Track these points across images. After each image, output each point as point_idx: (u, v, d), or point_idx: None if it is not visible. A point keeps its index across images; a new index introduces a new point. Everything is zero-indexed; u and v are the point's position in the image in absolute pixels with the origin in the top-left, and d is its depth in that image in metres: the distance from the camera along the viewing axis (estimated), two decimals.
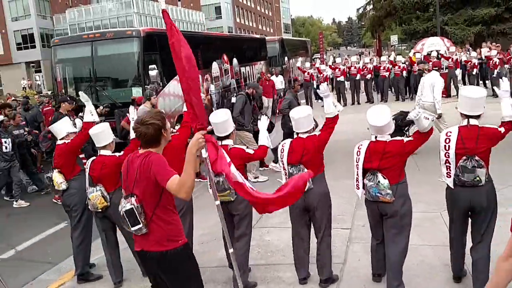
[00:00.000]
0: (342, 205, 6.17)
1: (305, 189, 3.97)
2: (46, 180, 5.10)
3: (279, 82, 17.45)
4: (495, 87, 3.88)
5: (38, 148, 9.50)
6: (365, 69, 17.33)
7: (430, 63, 16.02)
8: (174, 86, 9.82)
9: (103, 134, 4.59)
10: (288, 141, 4.23)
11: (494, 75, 14.97)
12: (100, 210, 4.54)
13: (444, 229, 5.05)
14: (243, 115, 8.48)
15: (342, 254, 4.88)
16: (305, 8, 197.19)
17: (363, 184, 3.84)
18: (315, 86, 17.38)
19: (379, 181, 3.70)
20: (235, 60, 17.35)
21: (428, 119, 3.55)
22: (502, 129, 3.64)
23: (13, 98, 17.31)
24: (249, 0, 66.74)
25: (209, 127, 4.29)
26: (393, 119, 3.98)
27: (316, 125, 4.42)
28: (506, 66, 15.20)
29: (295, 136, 4.22)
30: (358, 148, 3.89)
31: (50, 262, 5.74)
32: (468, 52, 18.27)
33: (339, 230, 5.41)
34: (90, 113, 4.86)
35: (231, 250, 3.41)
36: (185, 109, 4.52)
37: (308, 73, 18.61)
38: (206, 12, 58.96)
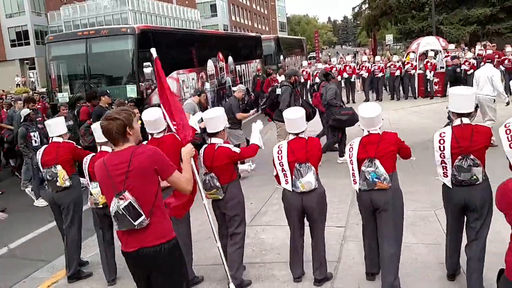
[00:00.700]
0: (337, 203, 6.18)
1: (309, 189, 4.04)
2: (47, 175, 4.92)
3: None
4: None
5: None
6: (363, 68, 17.34)
7: (425, 61, 16.14)
8: (169, 83, 9.77)
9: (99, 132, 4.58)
10: (285, 142, 4.22)
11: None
12: (101, 206, 4.52)
13: (437, 227, 5.08)
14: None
15: (336, 252, 4.88)
16: (300, 6, 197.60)
17: (360, 174, 3.88)
18: (308, 86, 17.40)
19: (377, 167, 3.77)
20: (230, 58, 17.34)
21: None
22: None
23: (10, 95, 17.21)
24: None
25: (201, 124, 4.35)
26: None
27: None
28: (500, 67, 15.25)
29: (291, 137, 4.20)
30: (350, 145, 3.97)
31: (43, 260, 5.70)
32: (463, 52, 18.32)
33: (334, 229, 5.41)
34: None
35: (218, 244, 3.42)
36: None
37: (306, 72, 18.61)
38: (202, 9, 58.89)
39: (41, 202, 8.02)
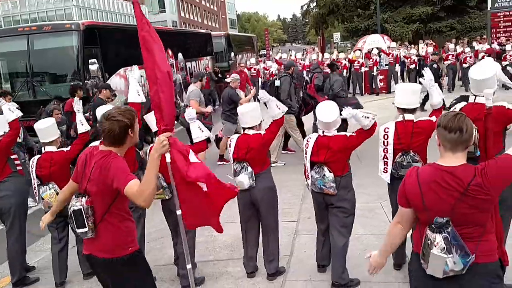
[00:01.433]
0: (289, 199, 6.28)
1: (248, 187, 4.08)
2: None
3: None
4: (420, 79, 4.08)
5: None
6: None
7: (390, 56, 16.59)
8: (116, 81, 9.56)
9: (48, 130, 4.44)
10: (235, 136, 4.24)
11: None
12: None
13: (384, 219, 5.27)
14: (290, 97, 8.17)
15: (289, 246, 4.97)
16: (250, 4, 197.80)
17: (311, 177, 3.94)
18: (260, 83, 17.46)
19: (324, 174, 3.84)
20: (180, 55, 17.14)
21: (368, 118, 3.66)
22: (434, 118, 3.84)
23: None
24: None
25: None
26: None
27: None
28: (446, 62, 16.02)
29: (242, 132, 4.23)
30: (307, 141, 4.02)
31: None
32: (407, 49, 19.06)
33: (286, 223, 5.50)
34: (80, 123, 4.61)
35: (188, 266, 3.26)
36: (132, 100, 4.26)
37: (255, 69, 18.69)
38: (149, 5, 57.66)
39: None
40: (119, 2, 51.08)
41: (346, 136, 3.84)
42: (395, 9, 31.13)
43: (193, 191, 2.98)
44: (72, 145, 4.53)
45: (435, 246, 2.24)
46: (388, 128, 3.86)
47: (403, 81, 17.08)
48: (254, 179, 4.10)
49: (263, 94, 4.27)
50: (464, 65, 15.18)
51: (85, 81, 10.38)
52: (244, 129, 4.25)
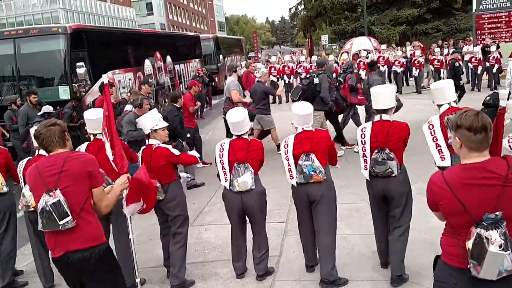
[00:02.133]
0: (278, 199, 6.32)
1: (245, 189, 4.11)
2: None
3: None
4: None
5: None
6: (301, 68, 17.73)
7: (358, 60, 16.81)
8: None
9: None
10: (227, 141, 4.26)
11: (417, 74, 16.08)
12: (32, 209, 4.33)
13: (371, 218, 5.33)
14: (330, 94, 8.21)
15: (278, 246, 5.01)
16: (238, 6, 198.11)
17: (296, 168, 4.02)
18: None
19: (313, 160, 3.95)
20: (168, 58, 17.13)
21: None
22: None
23: None
24: None
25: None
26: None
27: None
28: (430, 66, 16.23)
29: (234, 137, 4.25)
30: (285, 141, 4.12)
31: None
32: (394, 51, 19.26)
33: (275, 224, 5.55)
34: None
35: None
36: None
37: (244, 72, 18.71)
38: (137, 8, 57.54)
39: None
40: (107, 5, 50.83)
41: (327, 132, 4.17)
42: (381, 11, 31.40)
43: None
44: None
45: (492, 244, 2.08)
46: (365, 128, 4.01)
47: (390, 82, 17.25)
48: (254, 181, 4.14)
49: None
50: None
51: (73, 84, 10.36)
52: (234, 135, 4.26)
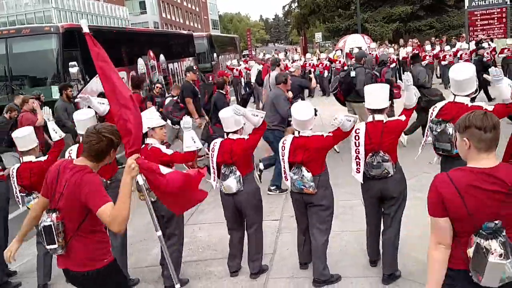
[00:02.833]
0: (272, 198, 6.34)
1: (230, 192, 4.12)
2: None
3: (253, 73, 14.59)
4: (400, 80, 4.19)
5: None
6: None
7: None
8: (96, 84, 9.51)
9: (27, 138, 4.40)
10: (218, 140, 4.26)
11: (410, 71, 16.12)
12: None
13: (364, 216, 5.35)
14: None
15: (272, 244, 5.02)
16: (232, 4, 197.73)
17: (290, 178, 4.00)
18: (243, 83, 17.47)
19: (303, 175, 3.90)
20: (162, 57, 17.10)
21: (350, 121, 3.80)
22: (403, 117, 3.92)
23: None
24: None
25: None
26: None
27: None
28: (424, 62, 16.28)
29: (225, 136, 4.25)
30: (283, 143, 4.06)
31: None
32: (386, 48, 19.32)
33: (270, 222, 5.56)
34: (53, 131, 4.55)
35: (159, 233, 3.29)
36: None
37: (237, 69, 18.71)
38: (130, 7, 57.30)
39: None
40: (99, 4, 50.58)
41: (322, 137, 3.91)
42: (375, 9, 31.48)
43: (172, 195, 3.10)
44: (48, 153, 4.50)
45: (492, 254, 2.07)
46: (359, 129, 3.90)
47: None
48: (242, 183, 4.14)
49: (237, 109, 4.18)
50: (443, 62, 15.45)
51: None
52: (227, 133, 4.25)
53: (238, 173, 4.12)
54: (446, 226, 2.21)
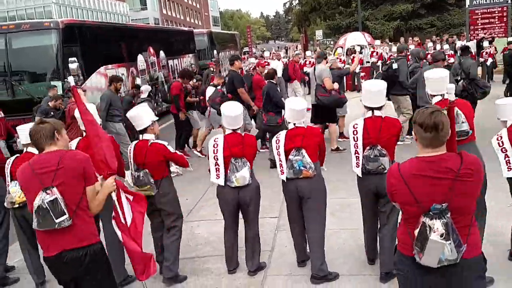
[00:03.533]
0: (270, 194, 6.33)
1: (243, 184, 4.12)
2: None
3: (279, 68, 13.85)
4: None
5: None
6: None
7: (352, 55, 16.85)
8: (96, 80, 9.49)
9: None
10: (220, 136, 4.25)
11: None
12: (17, 206, 4.32)
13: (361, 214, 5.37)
14: (407, 79, 8.33)
15: (270, 241, 5.03)
16: (233, 1, 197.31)
17: (287, 163, 4.03)
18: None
19: (304, 156, 3.96)
20: (162, 53, 17.06)
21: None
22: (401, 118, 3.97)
23: None
24: None
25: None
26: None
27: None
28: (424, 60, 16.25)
29: (228, 132, 4.24)
30: (277, 137, 4.12)
31: None
32: (387, 46, 19.30)
33: (268, 219, 5.57)
34: None
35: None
36: None
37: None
38: (130, 3, 57.18)
39: None
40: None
41: (318, 128, 4.17)
42: (376, 6, 31.43)
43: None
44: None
45: (434, 232, 2.23)
46: (357, 124, 3.96)
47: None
48: (250, 177, 4.16)
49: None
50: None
51: (65, 79, 10.29)
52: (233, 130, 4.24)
53: (248, 164, 4.14)
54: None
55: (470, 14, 18.81)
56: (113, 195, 3.31)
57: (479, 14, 18.71)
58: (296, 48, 27.50)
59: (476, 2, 18.65)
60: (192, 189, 7.08)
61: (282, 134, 4.12)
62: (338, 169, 6.38)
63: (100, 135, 3.39)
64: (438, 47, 16.83)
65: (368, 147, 3.87)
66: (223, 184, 4.17)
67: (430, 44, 17.00)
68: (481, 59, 15.46)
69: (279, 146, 4.07)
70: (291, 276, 4.30)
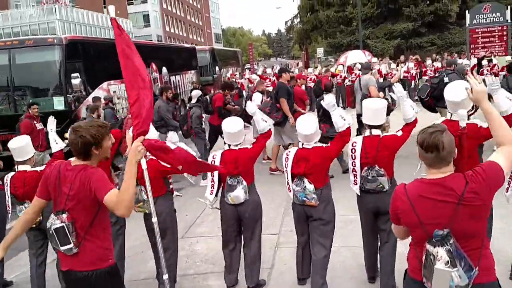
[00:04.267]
0: (271, 211, 6.30)
1: (238, 203, 4.10)
2: None
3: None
4: (391, 93, 4.19)
5: None
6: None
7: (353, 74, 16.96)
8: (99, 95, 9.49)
9: (24, 148, 4.38)
10: (219, 152, 4.25)
11: (412, 86, 16.23)
12: (34, 226, 4.29)
13: None
14: None
15: (270, 259, 4.99)
16: (235, 19, 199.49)
17: (292, 187, 3.99)
18: (244, 96, 17.48)
19: (305, 186, 3.89)
20: (164, 69, 17.18)
21: (344, 119, 3.86)
22: (400, 133, 3.92)
23: None
24: (178, 9, 66.32)
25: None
26: None
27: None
28: (424, 78, 16.35)
29: (226, 147, 4.24)
30: (287, 154, 4.05)
31: None
32: (387, 64, 19.42)
33: (268, 236, 5.51)
34: (54, 141, 4.48)
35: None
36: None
37: (238, 82, 18.79)
38: (134, 20, 57.73)
39: None
40: (103, 16, 50.99)
41: (323, 147, 3.92)
42: (376, 25, 31.76)
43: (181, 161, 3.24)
44: (46, 165, 4.48)
45: (439, 261, 2.13)
46: (355, 142, 3.92)
47: (385, 95, 17.33)
48: (248, 193, 4.13)
49: (251, 106, 4.30)
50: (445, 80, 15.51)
51: (68, 95, 10.36)
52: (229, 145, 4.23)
53: (244, 182, 4.11)
54: (403, 229, 2.44)
55: (470, 33, 18.99)
56: (143, 162, 2.88)
57: (479, 33, 18.89)
58: (297, 65, 27.68)
59: (476, 21, 18.84)
60: (192, 205, 7.04)
61: (292, 152, 4.01)
62: (338, 185, 6.34)
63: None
64: (439, 64, 17.00)
65: (365, 168, 3.84)
66: (211, 200, 4.18)
67: (429, 62, 17.15)
68: (482, 77, 15.52)
69: (287, 164, 3.99)
70: None
